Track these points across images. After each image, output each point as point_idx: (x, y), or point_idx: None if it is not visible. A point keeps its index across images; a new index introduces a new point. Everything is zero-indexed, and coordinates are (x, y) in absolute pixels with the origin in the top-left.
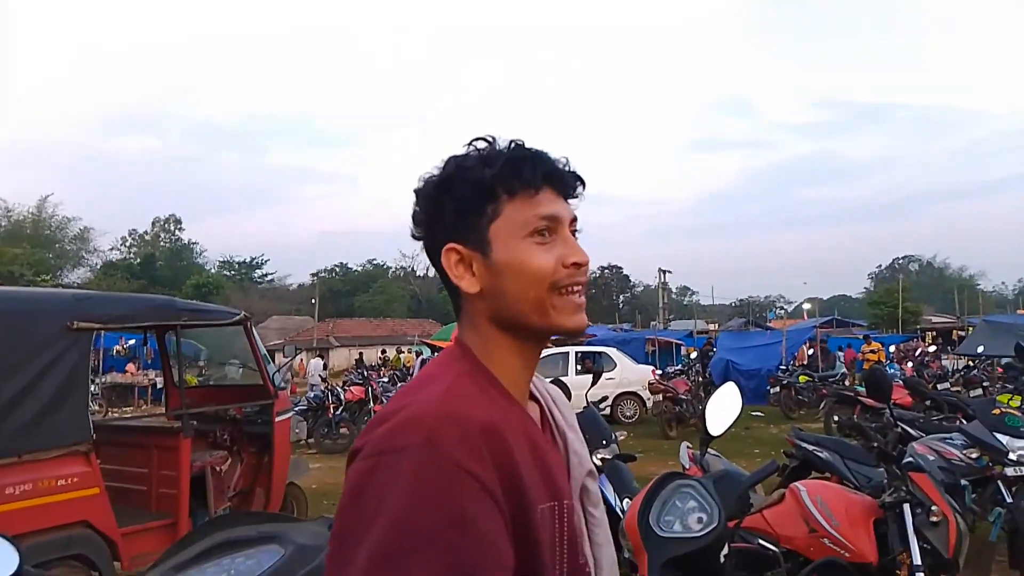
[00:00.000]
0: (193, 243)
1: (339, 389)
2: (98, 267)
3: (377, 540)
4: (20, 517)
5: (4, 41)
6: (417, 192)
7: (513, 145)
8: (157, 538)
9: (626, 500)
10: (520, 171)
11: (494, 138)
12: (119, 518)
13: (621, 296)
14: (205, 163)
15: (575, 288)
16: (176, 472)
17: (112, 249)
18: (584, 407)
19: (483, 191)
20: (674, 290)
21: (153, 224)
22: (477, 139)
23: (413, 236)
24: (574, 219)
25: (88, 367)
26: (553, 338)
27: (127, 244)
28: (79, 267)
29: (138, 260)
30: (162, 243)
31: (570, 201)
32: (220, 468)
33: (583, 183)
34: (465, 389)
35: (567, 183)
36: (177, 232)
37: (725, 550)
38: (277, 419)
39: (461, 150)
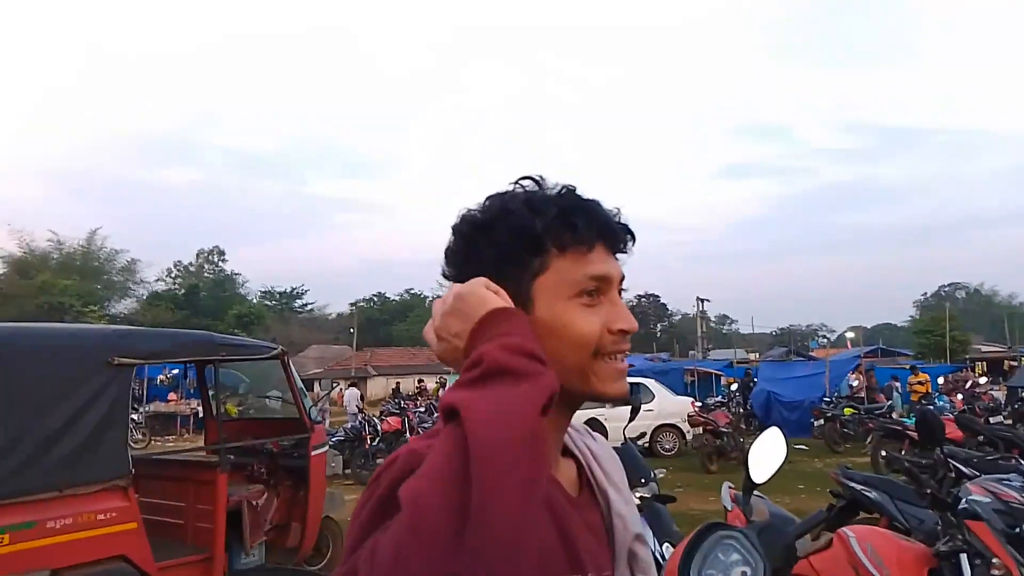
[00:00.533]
0: (236, 274)
1: (376, 420)
2: (144, 298)
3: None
4: (60, 551)
5: (54, 77)
6: (455, 229)
7: (565, 191)
8: (193, 572)
9: (666, 545)
10: (574, 225)
11: (543, 179)
12: (156, 552)
13: (659, 325)
14: (246, 193)
15: (619, 355)
16: (212, 506)
17: (158, 280)
18: (622, 443)
19: (530, 242)
20: (713, 319)
21: (197, 256)
22: (524, 178)
23: (444, 275)
24: (623, 278)
25: (128, 402)
26: None
27: (172, 275)
28: (126, 298)
29: (183, 291)
30: (206, 274)
31: (619, 257)
32: (256, 502)
33: (634, 238)
34: None
35: (619, 239)
36: (220, 263)
37: None
38: (313, 453)
39: (505, 188)
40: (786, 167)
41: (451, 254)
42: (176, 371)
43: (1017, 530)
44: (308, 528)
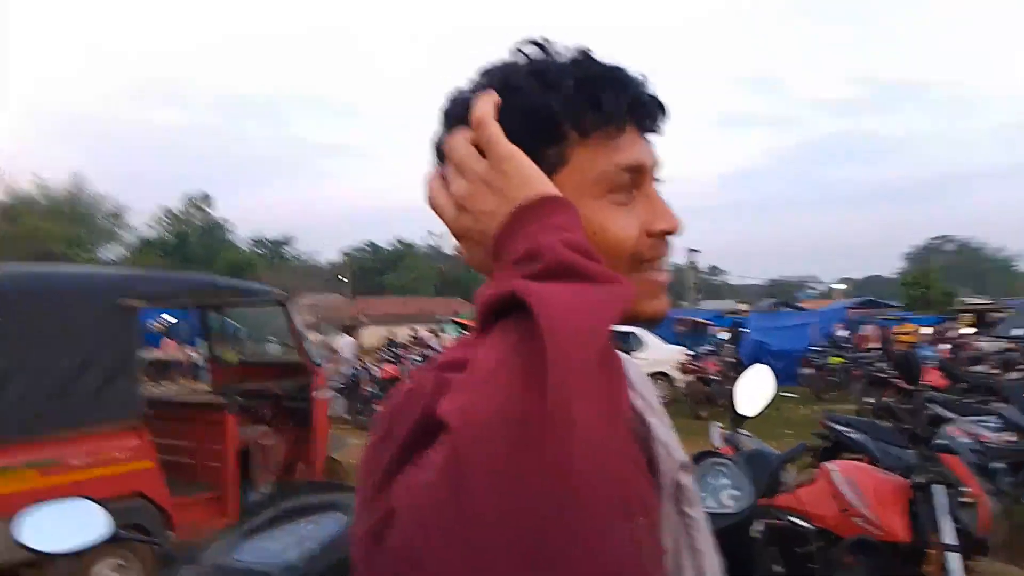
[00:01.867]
0: (224, 220)
1: (372, 367)
2: (132, 244)
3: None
4: (82, 488)
5: (38, 17)
6: (443, 114)
7: (582, 56)
8: (206, 509)
9: None
10: (598, 101)
11: (548, 43)
12: (170, 489)
13: None
14: (233, 137)
15: (659, 262)
16: (222, 446)
17: (148, 227)
18: None
19: (544, 127)
20: (704, 269)
21: (185, 202)
22: (526, 41)
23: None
24: (658, 165)
25: (137, 343)
26: None
27: (160, 222)
28: (113, 243)
29: (173, 237)
30: (194, 221)
31: (650, 138)
32: (264, 443)
33: (666, 112)
34: None
35: (652, 115)
36: (208, 210)
37: (759, 526)
38: (316, 395)
39: (502, 59)
40: (781, 118)
41: (440, 150)
42: (169, 317)
43: (993, 466)
44: (314, 468)
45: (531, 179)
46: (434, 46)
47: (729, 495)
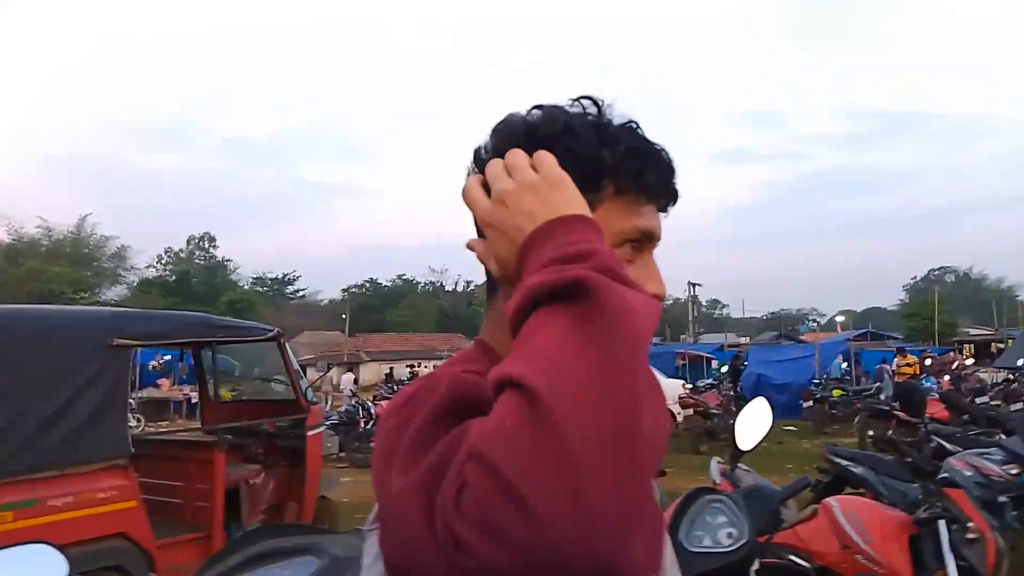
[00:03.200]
0: (227, 260)
1: (370, 403)
2: (135, 284)
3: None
4: (62, 528)
5: (44, 61)
6: (496, 132)
7: (633, 127)
8: (192, 550)
9: None
10: (644, 171)
11: (604, 103)
12: (155, 530)
13: None
14: (237, 179)
15: None
16: (211, 485)
17: (148, 267)
18: None
19: (590, 174)
20: (704, 303)
21: (188, 242)
22: (583, 97)
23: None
24: (659, 239)
25: (127, 383)
26: None
27: (163, 262)
28: (116, 285)
29: (174, 277)
30: (197, 260)
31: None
32: (254, 481)
33: (677, 201)
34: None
35: (672, 199)
36: (211, 249)
37: (755, 565)
38: (309, 433)
39: (562, 104)
40: (780, 152)
41: (484, 160)
42: (168, 357)
43: (998, 500)
44: (305, 507)
45: (578, 199)
46: (436, 88)
47: (726, 533)
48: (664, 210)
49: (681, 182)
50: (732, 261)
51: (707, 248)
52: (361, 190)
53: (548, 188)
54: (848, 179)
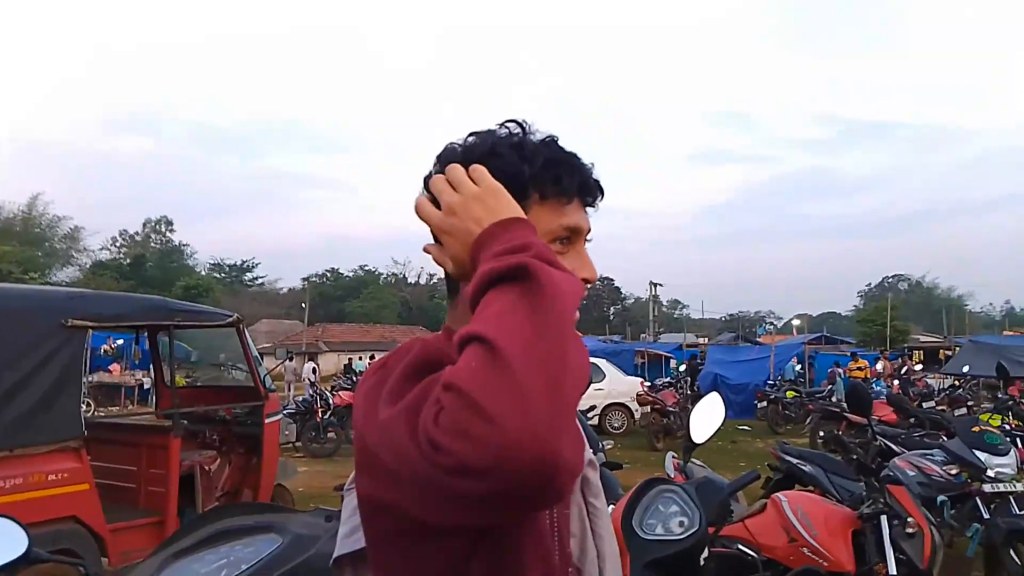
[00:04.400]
0: (184, 245)
1: (328, 393)
2: (87, 266)
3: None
4: (10, 510)
5: (3, 39)
6: (440, 159)
7: (551, 141)
8: (145, 535)
9: (611, 506)
10: (559, 178)
11: (526, 125)
12: (108, 515)
13: (612, 308)
14: (199, 165)
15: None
16: (165, 470)
17: (102, 249)
18: None
19: (515, 187)
20: (665, 303)
21: (144, 225)
22: (509, 121)
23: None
24: (589, 230)
25: (81, 365)
26: None
27: (117, 244)
28: (68, 266)
29: (128, 261)
30: (153, 244)
31: (588, 211)
32: (209, 468)
33: (603, 194)
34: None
35: (594, 195)
36: (168, 233)
37: (705, 554)
38: (267, 420)
39: (490, 128)
40: (747, 155)
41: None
42: (121, 341)
43: (938, 499)
44: (260, 495)
45: (513, 205)
46: (404, 81)
47: (678, 522)
48: (592, 205)
49: (604, 179)
50: (694, 262)
51: (670, 248)
52: (326, 180)
53: (489, 197)
54: (812, 184)
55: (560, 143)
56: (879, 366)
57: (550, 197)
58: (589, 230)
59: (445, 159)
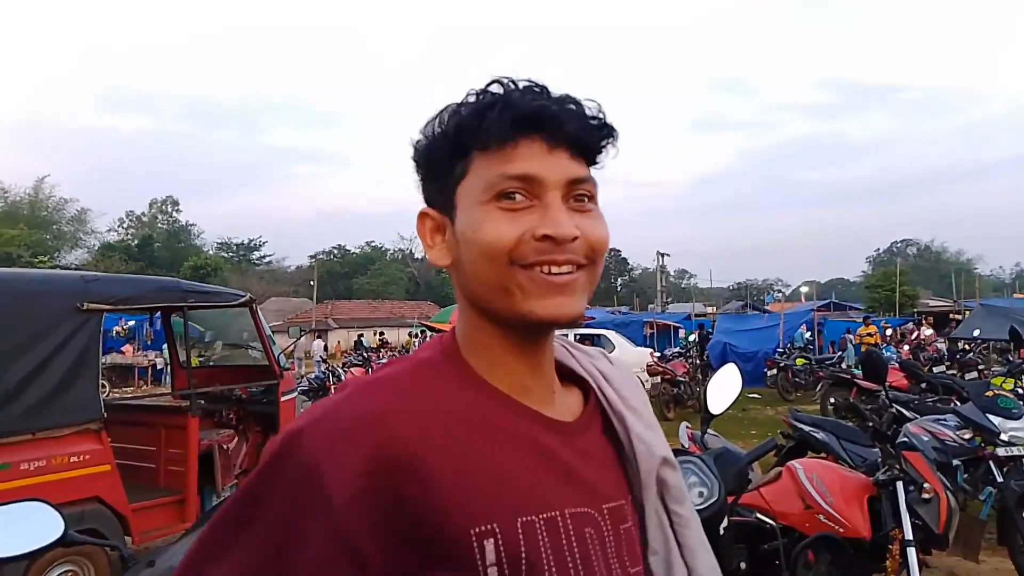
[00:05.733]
0: (191, 225)
1: (340, 370)
2: (96, 248)
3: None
4: (34, 492)
5: (2, 18)
6: (422, 133)
7: (495, 83)
8: (166, 514)
9: None
10: (482, 119)
11: (509, 82)
12: (129, 494)
13: (619, 279)
14: (202, 143)
15: (548, 265)
16: (184, 450)
17: (109, 230)
18: None
19: (452, 144)
20: (672, 273)
21: (150, 206)
22: (493, 82)
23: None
24: (577, 180)
25: (98, 347)
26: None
27: (124, 225)
28: (76, 248)
29: (136, 242)
30: (160, 225)
31: (588, 158)
32: (227, 446)
33: (606, 134)
34: (405, 380)
35: (566, 132)
36: (174, 213)
37: (724, 523)
38: (283, 399)
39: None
40: (752, 121)
41: (414, 160)
42: (132, 322)
43: (952, 463)
44: None
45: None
46: (406, 53)
47: (698, 492)
48: (564, 144)
49: (583, 113)
50: (701, 231)
51: (676, 218)
52: (330, 156)
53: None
54: (817, 150)
55: (516, 82)
56: (887, 332)
57: (489, 145)
58: (578, 180)
59: (414, 147)
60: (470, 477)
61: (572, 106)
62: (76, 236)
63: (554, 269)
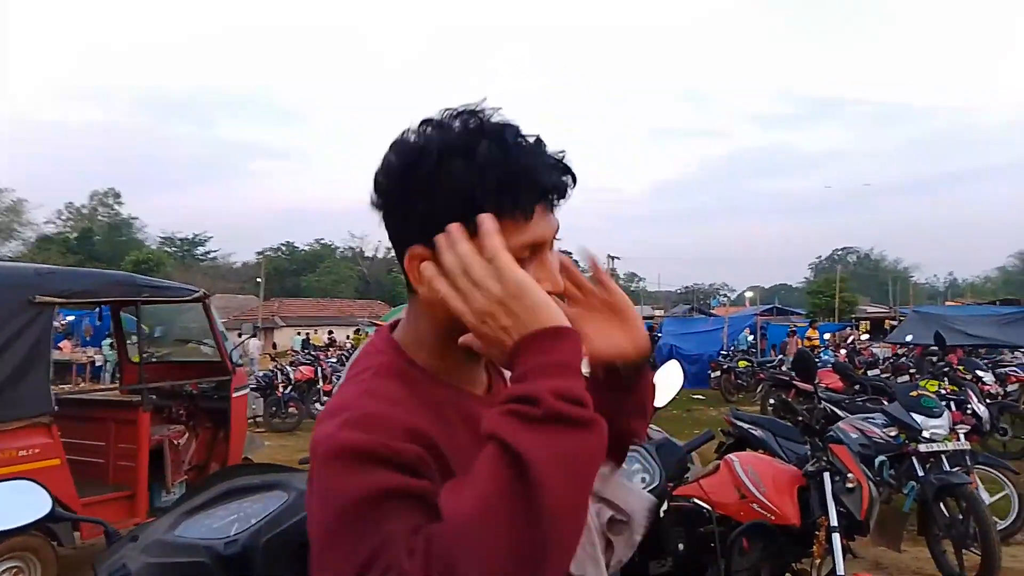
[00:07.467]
0: (133, 218)
1: (288, 368)
2: (32, 241)
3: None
4: None
5: None
6: (387, 167)
7: (510, 144)
8: (116, 509)
9: None
10: (516, 197)
11: (484, 116)
12: (79, 489)
13: None
14: (149, 135)
15: None
16: (135, 445)
17: (47, 222)
18: None
19: (468, 204)
20: (622, 276)
21: (91, 197)
22: (462, 113)
23: (372, 202)
24: (556, 229)
25: (50, 341)
26: None
27: (63, 217)
28: (11, 240)
29: (75, 235)
30: (100, 217)
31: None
32: (177, 442)
33: (575, 181)
34: (392, 387)
35: (562, 192)
36: (116, 206)
37: (665, 507)
38: (235, 395)
39: (446, 122)
40: (705, 131)
41: (382, 197)
42: (71, 318)
43: (877, 459)
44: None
45: (540, 308)
46: (361, 47)
47: (640, 478)
48: (558, 202)
49: (575, 174)
50: (651, 235)
51: (628, 223)
52: (281, 151)
53: (514, 302)
54: (768, 160)
55: (522, 140)
56: (826, 336)
57: (507, 215)
58: (555, 232)
59: (400, 152)
60: (458, 453)
61: (561, 165)
62: (11, 227)
63: None
